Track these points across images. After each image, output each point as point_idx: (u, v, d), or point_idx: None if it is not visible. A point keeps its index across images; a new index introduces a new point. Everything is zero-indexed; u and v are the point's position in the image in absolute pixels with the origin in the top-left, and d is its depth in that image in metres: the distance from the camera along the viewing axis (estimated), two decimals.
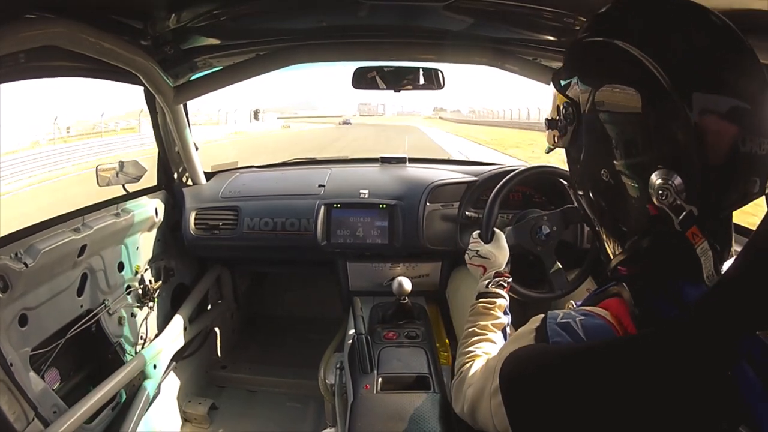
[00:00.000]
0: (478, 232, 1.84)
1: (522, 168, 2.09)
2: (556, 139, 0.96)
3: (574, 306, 0.91)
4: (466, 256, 1.80)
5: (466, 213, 2.39)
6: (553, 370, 0.79)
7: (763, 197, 0.74)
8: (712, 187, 0.73)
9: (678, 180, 0.72)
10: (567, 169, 1.91)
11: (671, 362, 0.66)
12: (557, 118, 0.93)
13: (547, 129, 0.98)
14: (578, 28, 1.79)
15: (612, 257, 0.91)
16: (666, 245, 0.79)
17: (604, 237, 0.93)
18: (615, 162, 0.82)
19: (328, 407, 2.33)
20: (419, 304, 2.38)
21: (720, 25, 0.76)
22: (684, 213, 0.72)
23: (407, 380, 1.85)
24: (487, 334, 1.42)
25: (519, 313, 1.54)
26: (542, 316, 0.87)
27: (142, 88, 2.26)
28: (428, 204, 2.44)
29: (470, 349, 1.38)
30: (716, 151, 0.71)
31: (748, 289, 0.62)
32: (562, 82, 0.92)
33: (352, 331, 2.15)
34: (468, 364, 1.28)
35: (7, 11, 1.26)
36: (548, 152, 1.09)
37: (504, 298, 1.54)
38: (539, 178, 2.16)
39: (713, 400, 0.66)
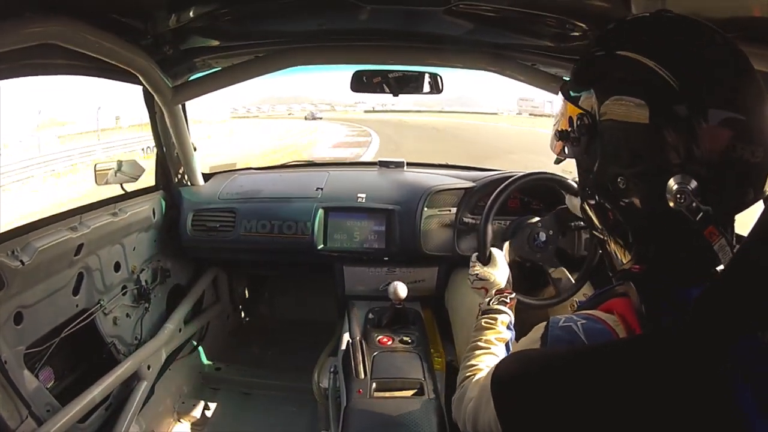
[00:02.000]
0: (476, 254, 1.84)
1: (519, 174, 2.09)
2: (567, 150, 0.98)
3: (576, 305, 0.91)
4: (467, 280, 1.80)
5: (464, 219, 2.38)
6: (538, 373, 0.80)
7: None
8: (725, 190, 0.76)
9: (694, 183, 0.75)
10: (563, 175, 1.92)
11: (662, 366, 0.67)
12: (569, 129, 0.94)
13: (558, 140, 0.99)
14: (577, 34, 1.80)
15: (620, 265, 0.93)
16: (677, 249, 0.82)
17: (612, 245, 0.95)
18: (631, 169, 0.83)
19: (321, 411, 2.33)
20: (414, 310, 2.38)
21: (728, 42, 0.80)
22: (701, 213, 0.74)
23: (401, 385, 1.85)
24: (489, 348, 1.42)
25: (516, 322, 1.54)
26: (545, 323, 0.88)
27: (141, 87, 2.26)
28: (426, 209, 2.43)
29: (472, 362, 1.37)
30: (726, 158, 0.75)
31: (742, 289, 0.63)
32: (574, 94, 0.93)
33: (346, 336, 2.15)
34: (469, 378, 1.28)
35: (7, 8, 1.26)
36: (557, 163, 1.10)
37: (506, 314, 1.54)
38: (536, 185, 2.16)
39: (708, 407, 0.66)
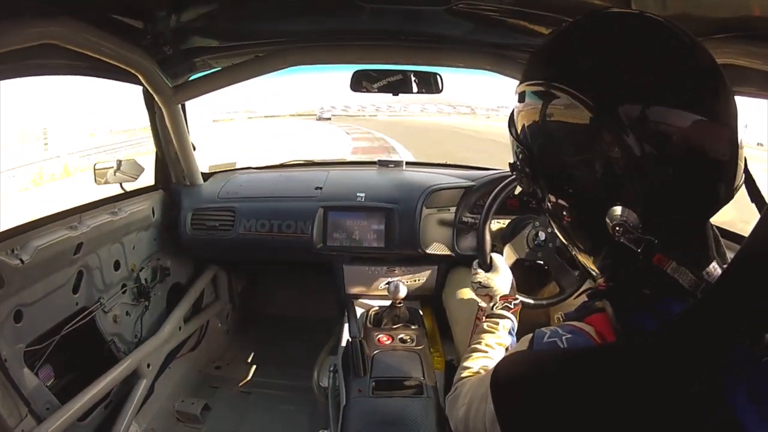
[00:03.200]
0: (477, 261, 1.84)
1: (510, 179, 2.09)
2: (522, 181, 0.95)
3: (562, 318, 0.91)
4: (471, 287, 1.80)
5: (463, 218, 2.38)
6: (534, 375, 0.81)
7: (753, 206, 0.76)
8: (670, 206, 0.74)
9: (633, 216, 0.73)
10: None
11: (645, 371, 0.67)
12: (516, 162, 0.94)
13: (511, 172, 1.00)
14: None
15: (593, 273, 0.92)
16: (637, 277, 0.80)
17: (581, 260, 0.94)
18: (571, 202, 0.84)
19: (321, 410, 2.33)
20: (414, 309, 2.38)
21: (686, 39, 0.77)
22: (643, 244, 0.73)
23: (400, 384, 1.85)
24: (488, 352, 1.42)
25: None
26: (531, 336, 0.87)
27: (141, 87, 2.27)
28: (425, 208, 2.43)
29: (469, 364, 1.37)
30: (671, 165, 0.72)
31: (739, 297, 0.62)
32: (515, 129, 0.93)
33: (346, 334, 2.16)
34: (464, 380, 1.28)
35: (7, 8, 1.27)
36: (517, 195, 1.09)
37: (509, 319, 1.54)
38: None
39: (698, 411, 0.66)
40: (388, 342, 2.09)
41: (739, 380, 0.67)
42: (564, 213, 0.85)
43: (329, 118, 44.18)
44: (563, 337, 0.81)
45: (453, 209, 2.45)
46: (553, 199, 0.87)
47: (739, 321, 0.62)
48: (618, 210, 0.74)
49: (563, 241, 0.95)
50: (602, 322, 0.80)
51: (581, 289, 2.04)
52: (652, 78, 0.73)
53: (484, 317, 1.59)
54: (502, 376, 0.88)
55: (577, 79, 0.76)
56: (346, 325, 2.25)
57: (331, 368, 2.12)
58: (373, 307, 2.38)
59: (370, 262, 2.55)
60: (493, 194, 2.00)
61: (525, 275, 2.12)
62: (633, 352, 0.70)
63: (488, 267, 1.79)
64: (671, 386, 0.65)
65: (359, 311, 2.32)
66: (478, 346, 1.44)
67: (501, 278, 1.73)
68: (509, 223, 2.25)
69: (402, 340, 2.10)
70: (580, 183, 0.81)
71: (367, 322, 2.26)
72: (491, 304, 1.62)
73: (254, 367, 3.06)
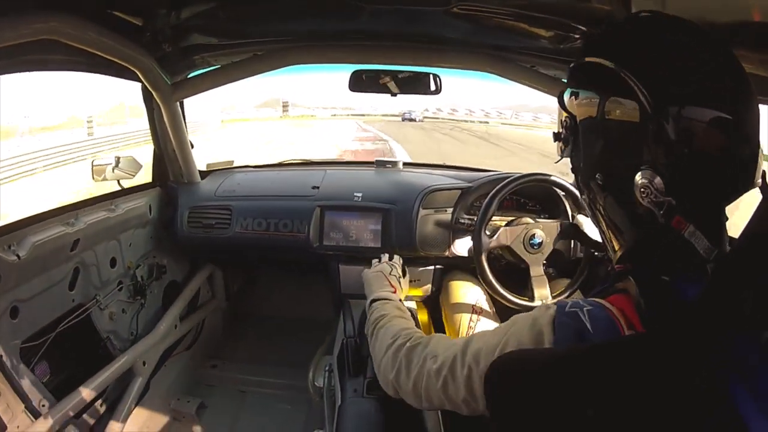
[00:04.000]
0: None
1: (516, 176, 2.09)
2: (561, 151, 1.04)
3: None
4: (387, 267, 1.93)
5: (460, 219, 2.38)
6: (538, 371, 0.80)
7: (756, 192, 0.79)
8: (692, 183, 0.79)
9: (658, 179, 0.79)
10: (559, 177, 1.94)
11: (664, 364, 0.68)
12: (561, 131, 1.02)
13: (554, 141, 1.06)
14: (577, 36, 1.81)
15: (614, 254, 0.97)
16: (657, 242, 0.85)
17: (607, 236, 0.99)
18: (605, 166, 0.91)
19: (316, 409, 2.33)
20: (410, 309, 2.38)
21: (712, 41, 0.83)
22: (665, 205, 0.79)
23: None
24: (405, 314, 1.53)
25: (504, 320, 1.54)
26: (554, 305, 0.89)
27: (140, 84, 2.26)
28: (422, 209, 2.43)
29: (395, 324, 1.41)
30: (696, 154, 0.78)
31: (746, 272, 0.66)
32: (564, 98, 1.00)
33: (341, 334, 2.15)
34: (411, 333, 1.30)
35: (7, 4, 1.26)
36: (556, 162, 1.16)
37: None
38: (533, 186, 2.16)
39: (704, 405, 0.67)
40: None
41: (741, 376, 0.68)
42: (598, 178, 0.92)
43: (415, 120, 43.13)
44: (584, 308, 0.84)
45: (450, 210, 2.45)
46: (588, 165, 0.95)
47: (745, 297, 0.65)
48: (646, 173, 0.80)
49: (593, 215, 1.01)
50: (623, 302, 0.84)
51: (576, 288, 2.06)
52: (703, 80, 0.79)
53: (372, 300, 1.67)
54: (503, 367, 0.88)
55: (642, 72, 0.81)
56: (342, 325, 2.25)
57: (327, 368, 2.11)
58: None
59: (366, 262, 2.53)
60: (489, 195, 2.00)
61: (520, 276, 2.12)
62: (654, 343, 0.71)
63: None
64: (676, 379, 0.67)
65: (355, 311, 2.32)
66: (387, 313, 1.51)
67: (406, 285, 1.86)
68: (505, 224, 2.26)
69: None
70: (615, 153, 0.89)
71: (363, 322, 2.25)
72: (390, 294, 1.71)
73: (250, 366, 3.05)
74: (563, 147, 1.03)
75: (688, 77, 0.80)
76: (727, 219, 0.85)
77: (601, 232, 1.02)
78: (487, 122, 51.07)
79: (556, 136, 1.05)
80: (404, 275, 1.86)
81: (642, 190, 0.81)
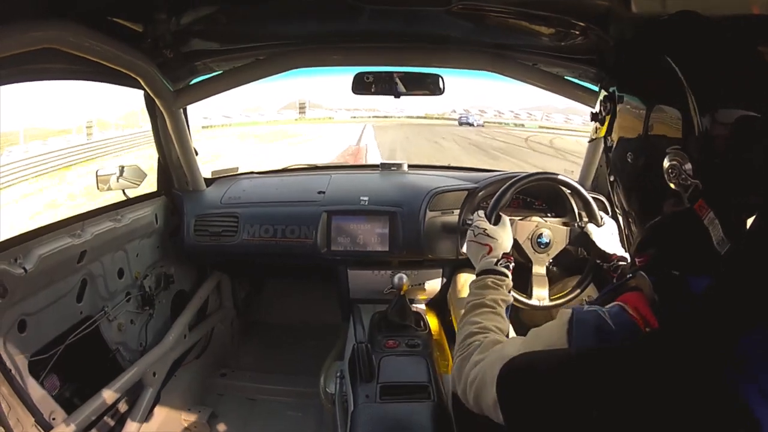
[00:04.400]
0: (483, 211, 1.80)
1: (523, 174, 2.08)
2: (597, 131, 1.09)
3: (586, 302, 0.93)
4: (470, 232, 1.73)
5: (467, 220, 2.36)
6: (552, 375, 0.81)
7: None
8: (720, 170, 0.81)
9: (688, 163, 0.81)
10: (567, 176, 1.92)
11: (679, 361, 0.67)
12: (599, 111, 1.06)
13: (591, 121, 1.12)
14: (578, 33, 1.80)
15: (632, 244, 1.01)
16: (678, 225, 0.86)
17: (629, 221, 1.03)
18: (638, 147, 0.93)
19: (328, 416, 2.32)
20: (419, 312, 2.38)
21: (744, 42, 0.86)
22: (692, 187, 0.81)
23: (407, 389, 1.85)
24: (495, 308, 1.38)
25: (514, 321, 1.51)
26: (570, 310, 0.88)
27: (142, 92, 2.26)
28: (429, 211, 2.43)
29: (479, 320, 1.32)
30: (722, 150, 0.80)
31: (752, 274, 0.66)
32: (605, 80, 1.06)
33: (352, 340, 2.15)
34: (477, 336, 1.24)
35: (6, 13, 1.26)
36: (590, 141, 1.20)
37: (510, 280, 1.50)
38: (540, 185, 2.14)
39: (713, 399, 0.67)
40: (395, 346, 2.09)
41: (752, 376, 0.68)
42: (629, 157, 0.95)
43: (473, 125, 40.73)
44: (604, 308, 0.85)
45: (456, 212, 2.44)
46: (622, 145, 0.99)
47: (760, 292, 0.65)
48: (675, 154, 0.83)
49: (617, 200, 1.06)
50: (637, 299, 0.83)
51: (582, 289, 2.02)
52: (739, 77, 0.83)
53: (479, 271, 1.55)
54: (515, 372, 0.87)
55: (686, 67, 0.84)
56: (352, 330, 2.25)
57: (338, 374, 2.10)
58: (378, 311, 2.38)
59: (374, 266, 2.54)
60: (501, 189, 1.97)
61: (521, 273, 2.10)
62: (668, 341, 0.71)
63: (495, 221, 1.76)
64: (692, 376, 0.67)
65: (365, 316, 2.31)
66: (485, 301, 1.40)
67: (506, 236, 1.69)
68: (513, 224, 2.24)
69: (408, 345, 2.09)
70: (650, 135, 0.91)
71: (373, 327, 2.25)
72: (491, 258, 1.58)
73: (260, 373, 3.04)
74: (599, 127, 1.07)
75: (726, 75, 0.83)
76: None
77: (623, 218, 1.05)
78: (522, 125, 47.72)
79: (594, 116, 1.10)
80: (497, 221, 1.75)
81: (671, 171, 0.83)
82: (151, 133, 2.53)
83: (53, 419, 1.73)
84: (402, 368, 1.96)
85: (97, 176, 2.31)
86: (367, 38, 2.19)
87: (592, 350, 0.80)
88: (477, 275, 1.53)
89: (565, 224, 2.10)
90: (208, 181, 2.84)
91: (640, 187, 0.96)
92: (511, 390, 0.87)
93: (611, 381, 0.73)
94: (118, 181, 2.30)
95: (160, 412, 2.44)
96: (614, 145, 1.02)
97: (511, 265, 1.57)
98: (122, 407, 2.17)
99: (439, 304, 2.58)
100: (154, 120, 2.48)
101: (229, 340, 3.28)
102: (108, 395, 1.96)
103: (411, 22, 2.01)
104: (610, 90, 1.02)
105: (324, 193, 2.60)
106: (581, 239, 2.07)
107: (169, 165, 2.62)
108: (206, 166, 2.89)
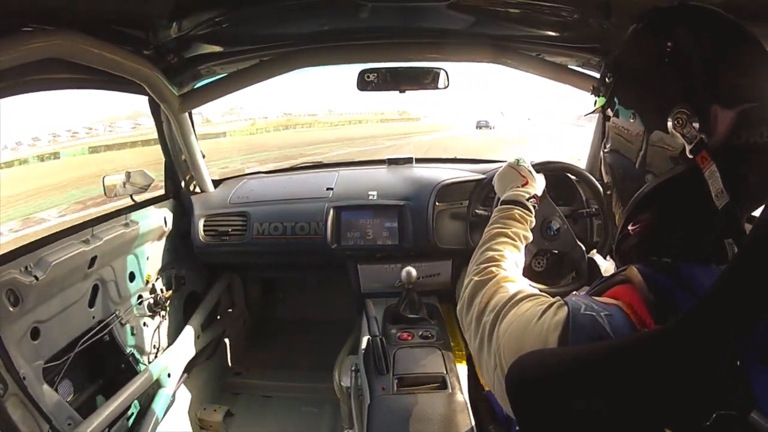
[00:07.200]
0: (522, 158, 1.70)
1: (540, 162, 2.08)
2: (596, 103, 1.04)
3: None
4: (511, 162, 1.65)
5: (476, 211, 2.36)
6: (562, 374, 0.78)
7: None
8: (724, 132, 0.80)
9: (695, 117, 0.79)
10: (573, 163, 1.89)
11: (686, 358, 0.65)
12: (600, 83, 1.02)
13: (591, 94, 1.08)
14: (580, 21, 1.79)
15: (617, 234, 0.97)
16: (676, 183, 0.84)
17: (614, 202, 1.02)
18: (643, 107, 0.90)
19: (344, 410, 2.33)
20: (432, 304, 2.38)
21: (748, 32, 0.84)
22: (696, 139, 0.79)
23: (423, 380, 1.86)
24: (516, 242, 1.33)
25: None
26: (566, 309, 0.85)
27: (147, 97, 2.27)
28: (437, 203, 2.44)
29: (498, 247, 1.28)
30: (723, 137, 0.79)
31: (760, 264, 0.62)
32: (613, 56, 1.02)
33: (365, 333, 2.15)
34: (494, 264, 1.21)
35: (8, 24, 1.26)
36: (586, 115, 1.20)
37: (533, 219, 1.44)
38: (548, 173, 2.14)
39: (723, 387, 0.65)
40: (409, 339, 2.10)
41: (759, 355, 0.68)
42: (630, 114, 0.92)
43: (490, 127, 40.44)
44: (602, 313, 0.80)
45: (465, 203, 2.44)
46: (620, 110, 0.96)
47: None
48: (684, 107, 0.80)
49: (607, 173, 1.04)
50: (630, 294, 0.82)
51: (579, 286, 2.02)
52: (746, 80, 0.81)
53: (506, 200, 1.48)
54: (522, 374, 0.86)
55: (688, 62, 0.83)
56: (365, 324, 2.25)
57: (353, 368, 2.11)
58: (390, 304, 2.40)
59: (384, 260, 2.54)
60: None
61: (539, 267, 2.10)
62: (674, 339, 0.67)
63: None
64: (696, 373, 0.65)
65: (377, 309, 2.32)
66: (507, 231, 1.35)
67: (541, 185, 1.62)
68: None
69: (422, 336, 2.11)
70: (654, 99, 0.87)
71: (386, 320, 2.27)
72: (522, 191, 1.51)
73: (274, 371, 3.06)
74: (598, 100, 1.03)
75: (730, 70, 0.81)
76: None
77: (616, 189, 1.02)
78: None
79: (594, 90, 1.05)
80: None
81: (677, 121, 0.80)
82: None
83: (69, 425, 1.74)
84: (417, 360, 1.97)
85: (103, 183, 2.31)
86: (370, 35, 2.19)
87: (598, 349, 0.77)
88: (502, 203, 1.48)
89: (573, 212, 2.09)
90: (216, 183, 2.85)
91: (638, 148, 0.92)
92: (524, 404, 0.85)
93: (615, 379, 0.71)
94: (125, 187, 2.30)
95: (175, 412, 2.45)
96: (614, 111, 0.98)
97: (536, 209, 1.49)
98: (137, 410, 2.18)
99: (450, 295, 2.58)
100: (160, 125, 2.49)
101: (242, 339, 3.30)
102: (123, 398, 1.97)
103: (413, 17, 2.01)
104: (612, 60, 1.00)
105: (332, 189, 2.61)
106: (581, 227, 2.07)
107: (176, 168, 2.64)
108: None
